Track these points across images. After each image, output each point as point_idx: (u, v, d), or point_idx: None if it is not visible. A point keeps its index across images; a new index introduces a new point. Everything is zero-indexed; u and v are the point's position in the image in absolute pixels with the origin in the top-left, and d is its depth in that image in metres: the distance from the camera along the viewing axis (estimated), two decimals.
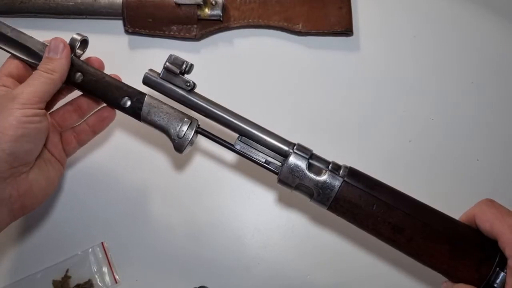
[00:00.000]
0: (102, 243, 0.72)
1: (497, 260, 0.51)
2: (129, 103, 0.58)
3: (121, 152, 0.76)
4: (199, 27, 0.79)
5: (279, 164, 0.55)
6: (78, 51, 0.60)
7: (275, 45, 0.81)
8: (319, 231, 0.74)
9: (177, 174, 0.75)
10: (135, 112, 0.58)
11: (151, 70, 0.58)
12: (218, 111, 0.57)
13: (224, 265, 0.73)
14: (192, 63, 0.57)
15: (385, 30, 0.82)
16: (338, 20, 0.79)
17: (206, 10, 0.77)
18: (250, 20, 0.80)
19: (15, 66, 0.59)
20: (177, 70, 0.56)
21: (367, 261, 0.73)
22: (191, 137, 0.57)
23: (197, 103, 0.57)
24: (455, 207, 0.55)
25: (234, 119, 0.56)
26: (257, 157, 0.56)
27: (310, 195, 0.54)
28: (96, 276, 0.71)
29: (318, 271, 0.73)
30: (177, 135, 0.57)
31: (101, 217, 0.74)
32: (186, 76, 0.57)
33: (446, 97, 0.79)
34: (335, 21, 0.79)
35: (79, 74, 0.59)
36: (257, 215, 0.75)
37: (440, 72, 0.80)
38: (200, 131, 0.58)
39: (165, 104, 0.58)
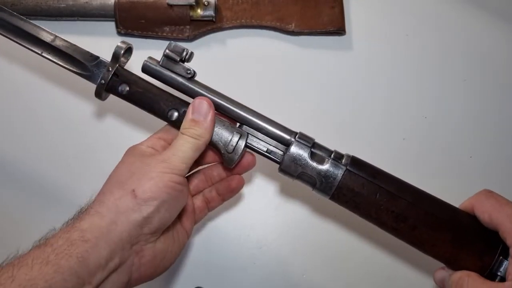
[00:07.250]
0: None
1: (500, 248, 0.51)
2: (176, 115, 0.55)
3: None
4: (192, 28, 0.79)
5: (281, 153, 0.55)
6: (123, 60, 0.58)
7: (268, 45, 0.81)
8: (314, 230, 0.74)
9: None
10: None
11: (150, 57, 0.56)
12: (220, 99, 0.56)
13: (219, 266, 0.72)
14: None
15: (377, 29, 0.82)
16: (330, 19, 0.79)
17: (199, 10, 0.77)
18: (242, 20, 0.80)
19: (171, 134, 0.56)
20: (177, 57, 0.55)
21: (362, 260, 0.73)
22: (241, 151, 0.55)
23: (198, 92, 0.55)
24: None
25: (236, 108, 0.56)
26: (259, 146, 0.56)
27: (313, 185, 0.54)
28: None
29: (313, 270, 0.72)
30: (227, 150, 0.55)
31: None
32: (186, 64, 0.56)
33: (438, 95, 0.80)
34: (327, 21, 0.79)
35: (124, 85, 0.56)
36: (252, 215, 0.75)
37: (432, 70, 0.81)
38: (249, 145, 0.56)
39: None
